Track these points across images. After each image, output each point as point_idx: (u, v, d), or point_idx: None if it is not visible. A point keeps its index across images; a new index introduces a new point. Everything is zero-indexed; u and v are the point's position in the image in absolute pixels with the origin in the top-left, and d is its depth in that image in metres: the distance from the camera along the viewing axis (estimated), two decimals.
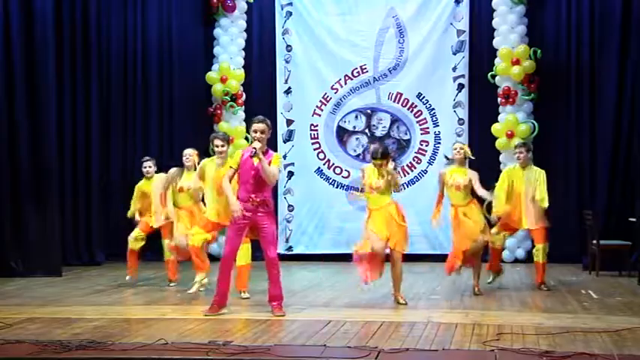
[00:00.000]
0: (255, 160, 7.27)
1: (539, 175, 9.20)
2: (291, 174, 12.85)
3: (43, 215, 10.44)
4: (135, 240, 9.56)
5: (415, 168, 12.55)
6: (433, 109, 12.52)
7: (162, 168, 9.74)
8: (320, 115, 12.80)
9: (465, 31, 12.42)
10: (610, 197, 11.17)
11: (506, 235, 9.54)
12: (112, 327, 6.72)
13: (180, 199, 9.22)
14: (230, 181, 7.47)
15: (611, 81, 11.24)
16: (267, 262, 7.44)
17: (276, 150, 12.60)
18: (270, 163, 7.31)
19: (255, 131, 7.34)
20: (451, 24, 12.45)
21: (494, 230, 9.11)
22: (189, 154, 9.25)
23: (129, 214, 9.80)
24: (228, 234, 7.49)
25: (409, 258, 9.59)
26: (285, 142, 12.87)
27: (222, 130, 12.59)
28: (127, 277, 9.53)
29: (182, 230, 9.03)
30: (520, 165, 9.28)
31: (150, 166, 9.69)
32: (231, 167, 7.44)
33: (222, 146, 8.47)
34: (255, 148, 7.25)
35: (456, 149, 8.93)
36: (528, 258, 11.96)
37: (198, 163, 8.95)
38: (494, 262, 9.37)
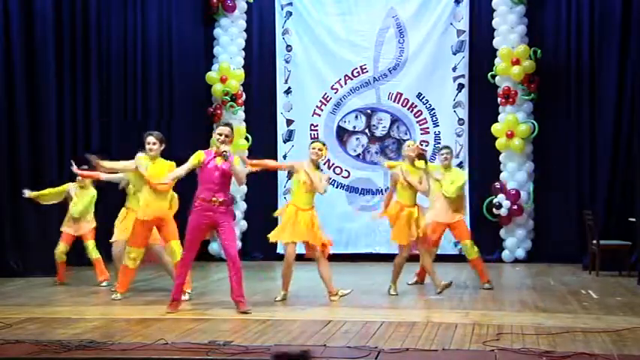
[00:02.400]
0: (219, 161, 7.42)
1: (457, 175, 9.31)
2: (291, 174, 12.82)
3: (43, 215, 10.44)
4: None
5: None
6: (433, 109, 12.53)
7: None
8: (320, 115, 12.80)
9: (465, 31, 12.42)
10: (610, 197, 11.17)
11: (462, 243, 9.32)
12: (112, 327, 6.72)
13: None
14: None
15: (611, 81, 11.24)
16: (229, 259, 7.49)
17: (276, 150, 12.68)
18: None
19: (221, 134, 7.54)
20: (451, 24, 12.45)
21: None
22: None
23: None
24: (189, 238, 7.51)
25: (409, 258, 9.58)
26: (285, 142, 12.86)
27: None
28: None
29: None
30: (444, 166, 9.29)
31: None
32: (190, 162, 7.46)
33: (155, 144, 8.41)
34: (225, 151, 7.40)
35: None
36: (528, 258, 11.99)
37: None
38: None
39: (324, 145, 8.40)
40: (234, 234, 7.69)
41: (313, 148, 8.24)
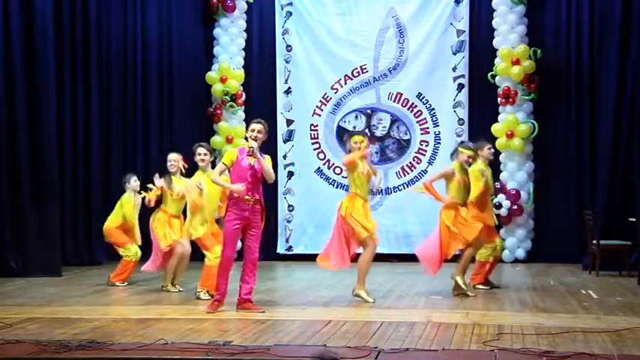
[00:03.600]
0: (252, 160, 7.33)
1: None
2: (291, 174, 12.85)
3: (43, 215, 10.44)
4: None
5: (415, 168, 12.55)
6: (433, 109, 12.53)
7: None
8: (320, 115, 12.80)
9: (465, 31, 12.42)
10: (610, 197, 11.16)
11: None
12: (112, 327, 6.72)
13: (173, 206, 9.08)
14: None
15: (611, 81, 11.24)
16: (249, 261, 7.44)
17: (276, 150, 12.67)
18: None
19: (253, 130, 7.45)
20: (451, 24, 12.45)
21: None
22: (174, 160, 9.03)
23: None
24: (228, 234, 7.44)
25: (409, 258, 9.63)
26: (285, 142, 12.86)
27: (222, 130, 12.62)
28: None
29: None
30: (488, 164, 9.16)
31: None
32: (223, 164, 7.47)
33: (206, 155, 8.48)
34: (252, 147, 7.32)
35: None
36: (528, 258, 11.99)
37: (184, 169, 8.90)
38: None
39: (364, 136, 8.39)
40: (260, 240, 7.58)
41: (355, 142, 8.15)
